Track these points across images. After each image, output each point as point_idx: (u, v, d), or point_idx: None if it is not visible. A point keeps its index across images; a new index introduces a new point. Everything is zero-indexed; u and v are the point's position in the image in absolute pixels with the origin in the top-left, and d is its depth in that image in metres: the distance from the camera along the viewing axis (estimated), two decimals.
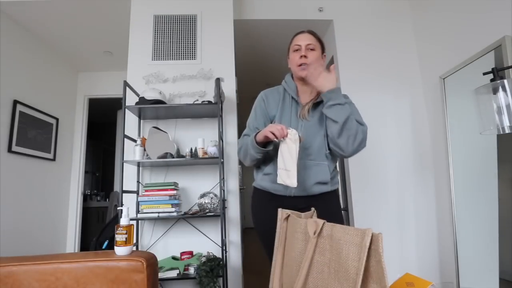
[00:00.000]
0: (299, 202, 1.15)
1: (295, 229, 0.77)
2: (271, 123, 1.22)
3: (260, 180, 1.23)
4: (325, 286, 0.66)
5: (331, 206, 1.20)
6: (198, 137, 2.10)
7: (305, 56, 1.17)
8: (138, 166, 2.14)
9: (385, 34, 2.63)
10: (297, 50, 1.20)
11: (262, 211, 1.20)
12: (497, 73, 1.09)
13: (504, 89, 1.07)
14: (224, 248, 1.93)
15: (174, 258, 2.00)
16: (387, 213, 2.35)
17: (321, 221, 0.71)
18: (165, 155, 1.98)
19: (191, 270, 1.85)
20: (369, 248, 0.58)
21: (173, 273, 1.83)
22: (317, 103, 1.20)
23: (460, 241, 2.01)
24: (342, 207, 1.27)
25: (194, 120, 2.29)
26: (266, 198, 1.20)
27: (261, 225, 1.20)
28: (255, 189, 1.28)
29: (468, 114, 1.94)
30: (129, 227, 1.00)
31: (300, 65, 1.17)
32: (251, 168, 1.26)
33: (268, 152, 1.15)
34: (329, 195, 1.20)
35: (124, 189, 1.95)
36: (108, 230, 2.47)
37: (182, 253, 2.01)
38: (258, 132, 1.12)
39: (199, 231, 2.13)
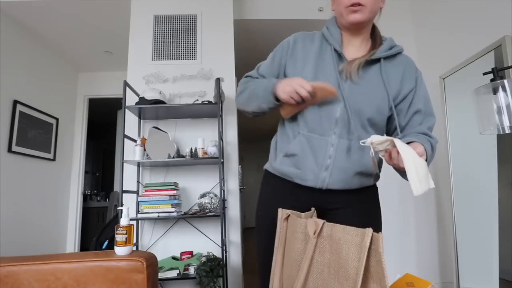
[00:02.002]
0: (331, 198, 0.88)
1: (295, 229, 0.77)
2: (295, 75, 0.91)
3: (280, 163, 0.91)
4: (325, 286, 0.66)
5: (371, 207, 0.94)
6: (198, 137, 2.10)
7: None
8: (138, 166, 2.14)
9: (385, 34, 2.62)
10: None
11: (279, 203, 0.87)
12: (497, 73, 1.09)
13: (504, 89, 1.07)
14: (224, 248, 1.93)
15: (174, 258, 2.00)
16: (387, 213, 2.34)
17: (320, 221, 0.71)
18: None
19: (191, 270, 1.85)
20: (369, 248, 0.58)
21: (173, 273, 1.84)
22: (371, 61, 0.87)
23: (460, 241, 2.00)
24: None
25: (194, 120, 2.29)
26: (285, 188, 0.91)
27: (268, 220, 0.89)
28: (268, 174, 0.97)
29: (468, 114, 1.94)
30: (129, 227, 1.00)
31: (352, 5, 0.83)
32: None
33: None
34: (370, 191, 0.94)
35: (124, 189, 1.95)
36: (108, 230, 2.47)
37: (182, 253, 2.01)
38: (279, 81, 0.83)
39: (199, 231, 2.13)
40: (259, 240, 0.95)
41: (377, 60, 0.88)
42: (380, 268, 0.57)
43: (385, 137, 0.70)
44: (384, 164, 0.90)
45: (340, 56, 0.89)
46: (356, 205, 0.90)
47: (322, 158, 0.85)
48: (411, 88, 0.89)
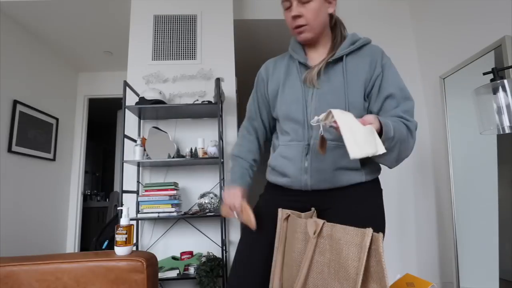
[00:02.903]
0: (323, 197, 0.88)
1: (295, 229, 0.77)
2: (274, 98, 0.97)
3: (270, 174, 0.99)
4: (325, 286, 0.66)
5: (365, 206, 0.87)
6: (198, 137, 2.10)
7: (298, 16, 0.86)
8: (138, 166, 2.14)
9: (384, 34, 2.63)
10: (288, 8, 0.88)
11: (271, 200, 0.96)
12: (497, 73, 1.09)
13: (504, 89, 1.07)
14: (224, 248, 1.93)
15: (174, 258, 2.00)
16: (387, 213, 2.34)
17: (320, 221, 0.71)
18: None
19: (191, 270, 1.85)
20: (369, 248, 0.59)
21: (173, 273, 1.84)
22: (332, 62, 0.88)
23: (460, 241, 2.00)
24: None
25: (194, 120, 2.29)
26: (278, 192, 0.96)
27: (266, 216, 0.91)
28: (267, 182, 1.05)
29: (468, 114, 1.94)
30: (129, 227, 1.00)
31: (297, 27, 0.88)
32: None
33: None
34: (364, 188, 0.88)
35: (124, 189, 1.95)
36: (108, 230, 2.47)
37: (182, 253, 2.01)
38: (230, 187, 0.96)
39: (199, 231, 2.13)
40: (245, 231, 0.94)
41: (341, 58, 0.89)
42: (380, 268, 0.57)
43: (326, 112, 0.71)
44: (386, 170, 0.92)
45: (305, 66, 0.92)
46: (341, 205, 0.87)
47: (299, 162, 0.88)
48: (378, 74, 0.89)
